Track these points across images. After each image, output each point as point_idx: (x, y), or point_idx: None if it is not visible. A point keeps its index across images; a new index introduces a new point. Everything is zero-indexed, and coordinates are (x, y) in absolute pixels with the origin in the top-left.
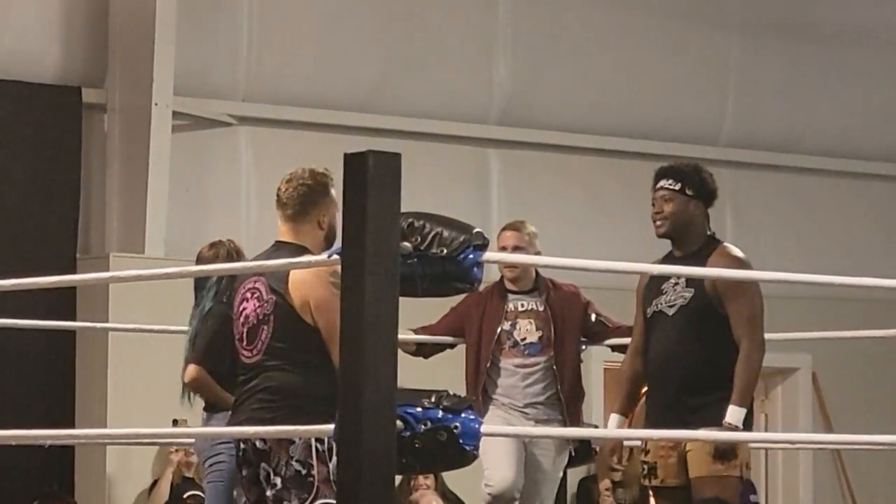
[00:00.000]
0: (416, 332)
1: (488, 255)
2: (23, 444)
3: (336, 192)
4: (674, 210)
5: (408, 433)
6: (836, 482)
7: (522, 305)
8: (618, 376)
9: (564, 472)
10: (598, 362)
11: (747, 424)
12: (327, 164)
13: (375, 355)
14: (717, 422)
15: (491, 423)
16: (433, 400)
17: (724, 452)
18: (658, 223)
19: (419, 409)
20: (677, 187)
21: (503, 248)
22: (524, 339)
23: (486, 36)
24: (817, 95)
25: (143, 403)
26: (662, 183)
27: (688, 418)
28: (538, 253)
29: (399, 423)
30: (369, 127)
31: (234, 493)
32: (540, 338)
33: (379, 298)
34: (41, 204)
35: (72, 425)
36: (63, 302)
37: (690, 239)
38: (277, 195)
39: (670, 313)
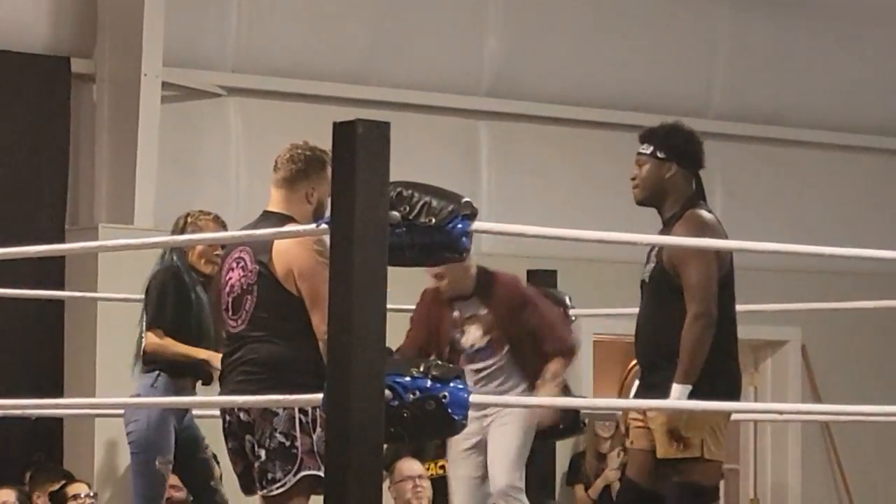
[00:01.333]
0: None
1: (477, 224)
2: (11, 414)
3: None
4: (645, 174)
5: (396, 402)
6: (824, 454)
7: (467, 311)
8: None
9: (553, 448)
10: (587, 335)
11: (732, 395)
12: (317, 136)
13: (364, 325)
14: (666, 395)
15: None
16: (422, 369)
17: (671, 433)
18: (633, 189)
19: (408, 379)
20: (649, 151)
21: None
22: (473, 345)
23: (476, 8)
24: (806, 68)
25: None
26: (640, 148)
27: (647, 390)
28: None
29: (387, 392)
30: (359, 98)
31: (157, 462)
32: (489, 341)
33: (367, 268)
34: (30, 174)
35: (60, 395)
36: (52, 272)
37: (667, 204)
38: (275, 161)
39: (647, 281)
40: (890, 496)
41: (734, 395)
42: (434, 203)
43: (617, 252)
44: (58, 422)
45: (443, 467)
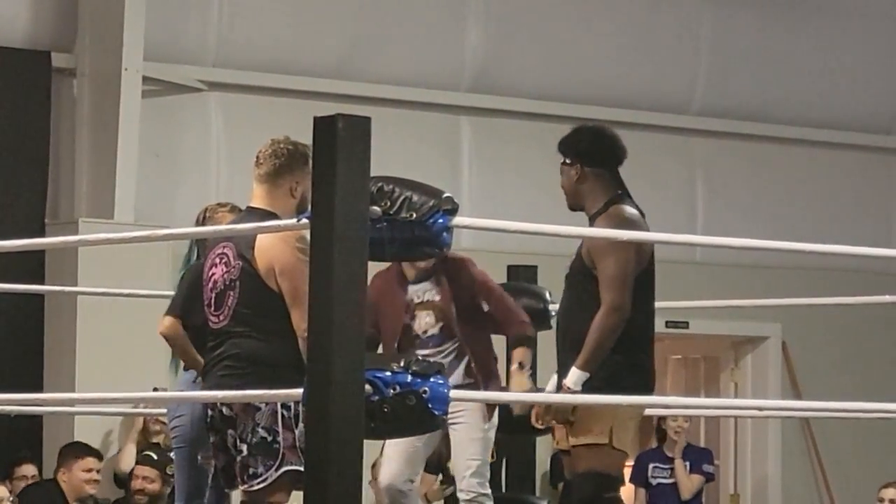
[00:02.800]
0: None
1: (458, 219)
2: None
3: None
4: (563, 183)
5: (376, 397)
6: (804, 450)
7: (419, 296)
8: None
9: (534, 443)
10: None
11: (636, 388)
12: (298, 131)
13: (344, 319)
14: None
15: None
16: (402, 364)
17: (557, 415)
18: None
19: (388, 374)
20: (562, 159)
21: None
22: (425, 331)
23: (457, 3)
24: (789, 64)
25: (111, 368)
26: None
27: (559, 380)
28: None
29: (368, 387)
30: (340, 93)
31: (199, 456)
32: (441, 328)
33: (348, 262)
34: (10, 169)
35: (40, 390)
36: (32, 267)
37: (589, 206)
38: (256, 157)
39: (567, 275)
40: (868, 491)
41: (645, 389)
42: (415, 198)
43: None
44: (37, 418)
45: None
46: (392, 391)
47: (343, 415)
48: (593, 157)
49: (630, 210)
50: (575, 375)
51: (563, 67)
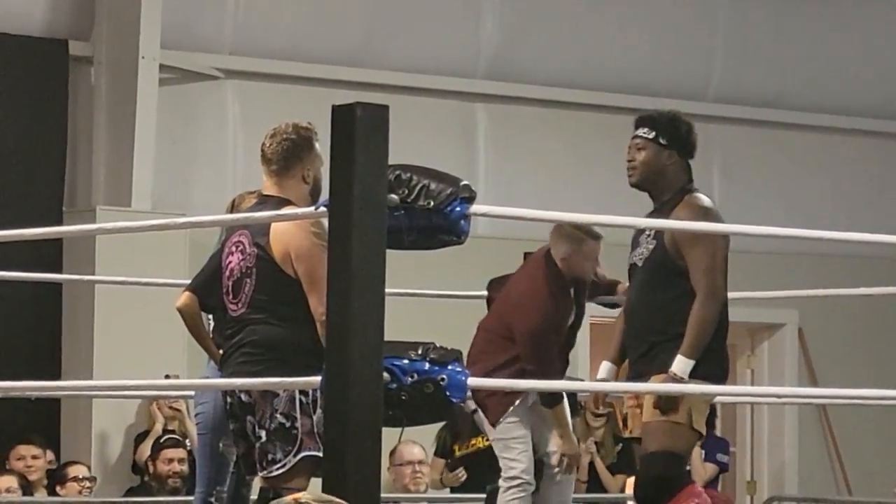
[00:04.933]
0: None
1: (475, 207)
2: (8, 397)
3: (321, 146)
4: (645, 159)
5: (394, 385)
6: (821, 438)
7: None
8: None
9: None
10: (584, 318)
11: (715, 377)
12: (314, 118)
13: (362, 308)
14: (665, 369)
15: None
16: (420, 352)
17: (665, 402)
18: (629, 172)
19: (406, 362)
20: (651, 136)
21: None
22: None
23: None
24: (805, 51)
25: (128, 356)
26: (638, 131)
27: (646, 366)
28: None
29: (386, 375)
30: (357, 81)
31: (221, 443)
32: None
33: (366, 251)
34: (27, 157)
35: (57, 378)
36: (49, 255)
37: (663, 190)
38: (262, 150)
39: (640, 265)
40: (885, 478)
41: (721, 376)
42: (432, 186)
43: (613, 234)
44: (55, 406)
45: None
46: (410, 379)
47: (361, 403)
48: (685, 146)
49: (706, 199)
50: (682, 363)
51: (578, 54)
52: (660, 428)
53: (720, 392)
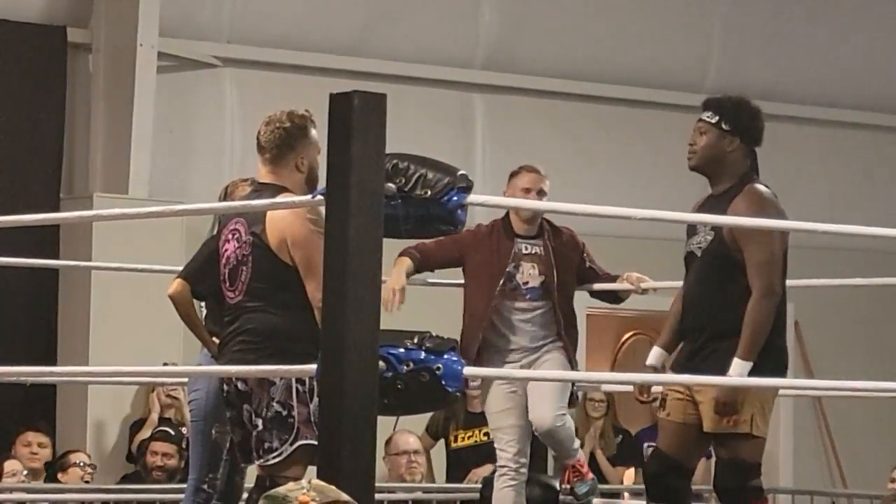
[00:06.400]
0: (411, 254)
1: (472, 197)
2: (4, 381)
3: (319, 133)
4: (706, 143)
5: (390, 374)
6: (816, 430)
7: (527, 248)
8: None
9: None
10: (580, 309)
11: (780, 372)
12: (312, 107)
13: (358, 296)
14: (721, 371)
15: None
16: (416, 341)
17: (724, 407)
18: (689, 155)
19: (402, 350)
20: (714, 120)
21: (526, 190)
22: (526, 283)
23: None
24: (802, 43)
25: (124, 343)
26: (702, 115)
27: (699, 364)
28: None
29: (381, 363)
30: (354, 70)
31: (213, 430)
32: (542, 283)
33: (363, 239)
34: (25, 143)
35: (54, 364)
36: (46, 241)
37: (723, 176)
38: (257, 138)
39: (698, 254)
40: (880, 471)
41: (782, 371)
42: (430, 175)
43: (611, 227)
44: (51, 391)
45: (486, 434)
46: (406, 367)
47: (357, 392)
48: (749, 133)
49: (767, 190)
50: (739, 366)
51: (576, 45)
52: (725, 439)
53: (767, 384)
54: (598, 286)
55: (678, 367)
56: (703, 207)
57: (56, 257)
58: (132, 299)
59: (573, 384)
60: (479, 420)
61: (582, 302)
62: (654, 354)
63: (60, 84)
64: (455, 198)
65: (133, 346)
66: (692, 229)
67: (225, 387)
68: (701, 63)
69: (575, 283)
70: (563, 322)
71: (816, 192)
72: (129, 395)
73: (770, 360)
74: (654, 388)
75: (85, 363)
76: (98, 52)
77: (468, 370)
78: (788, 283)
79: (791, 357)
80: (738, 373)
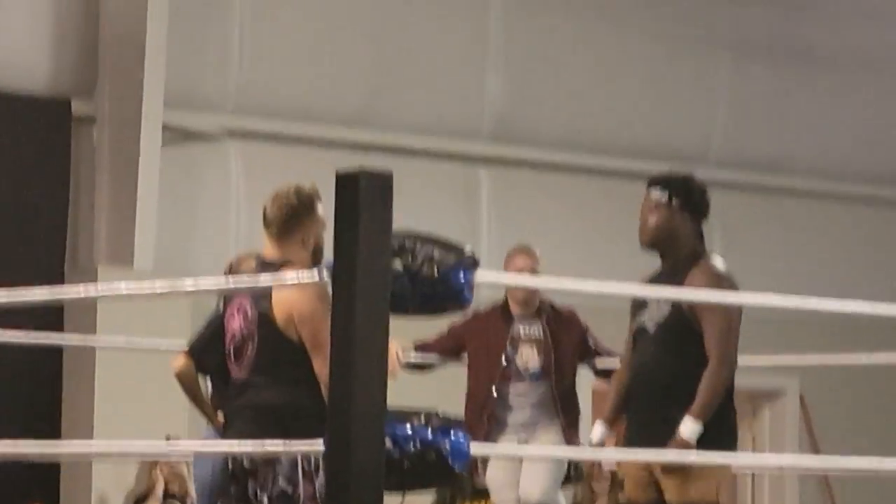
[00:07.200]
0: (415, 348)
1: (480, 275)
2: (8, 459)
3: (325, 207)
4: (657, 222)
5: (397, 453)
6: None
7: (525, 331)
8: (609, 387)
9: None
10: (587, 385)
11: (727, 444)
12: (317, 178)
13: (365, 375)
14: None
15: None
16: (422, 419)
17: (690, 476)
18: (641, 233)
19: (408, 429)
20: (664, 198)
21: (518, 272)
22: (526, 367)
23: (477, 52)
24: (807, 116)
25: (130, 418)
26: (650, 192)
27: (658, 435)
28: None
29: (388, 442)
30: (359, 141)
31: None
32: (542, 365)
33: (370, 318)
34: (29, 215)
35: (58, 439)
36: (50, 313)
37: (674, 252)
38: (263, 214)
39: (651, 329)
40: None
41: (733, 441)
42: (437, 254)
43: (618, 301)
44: (55, 468)
45: None
46: (412, 447)
47: (363, 470)
48: (699, 208)
49: (720, 265)
50: (690, 426)
51: (581, 117)
52: None
53: (725, 461)
54: (600, 366)
55: (637, 440)
56: (655, 282)
57: (60, 328)
58: (137, 374)
59: (569, 463)
60: (487, 494)
61: (589, 379)
62: (597, 428)
63: (65, 156)
64: (462, 279)
65: (138, 421)
66: (640, 304)
67: (230, 463)
68: (706, 136)
69: (575, 363)
70: (560, 402)
71: (821, 266)
72: (132, 469)
73: (724, 429)
74: (606, 467)
75: (89, 435)
76: (103, 123)
77: (475, 448)
78: (794, 358)
79: (796, 432)
80: (689, 430)
